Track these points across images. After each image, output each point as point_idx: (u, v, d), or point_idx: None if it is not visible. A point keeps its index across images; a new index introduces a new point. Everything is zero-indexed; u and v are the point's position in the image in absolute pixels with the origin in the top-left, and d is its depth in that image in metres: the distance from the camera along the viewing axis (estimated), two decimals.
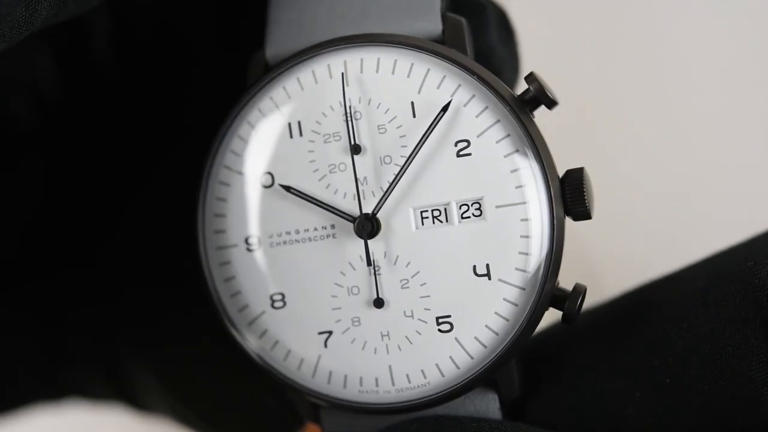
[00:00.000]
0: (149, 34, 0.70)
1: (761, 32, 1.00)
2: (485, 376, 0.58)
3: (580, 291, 0.58)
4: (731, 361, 0.55)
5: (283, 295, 0.60)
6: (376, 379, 0.59)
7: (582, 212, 0.57)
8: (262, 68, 0.61)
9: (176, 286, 0.71)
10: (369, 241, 0.58)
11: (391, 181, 0.58)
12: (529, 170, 0.57)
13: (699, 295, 0.58)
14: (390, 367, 0.59)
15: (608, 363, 0.60)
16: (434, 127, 0.58)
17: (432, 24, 0.60)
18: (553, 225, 0.57)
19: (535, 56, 0.69)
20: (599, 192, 0.61)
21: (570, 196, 0.57)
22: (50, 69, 0.69)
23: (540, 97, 0.57)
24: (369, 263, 0.58)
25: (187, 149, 0.68)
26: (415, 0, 0.61)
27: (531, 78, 0.58)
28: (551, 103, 0.58)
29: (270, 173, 0.60)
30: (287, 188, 0.59)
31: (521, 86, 0.60)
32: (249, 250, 0.60)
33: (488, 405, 0.59)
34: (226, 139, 0.60)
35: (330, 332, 0.59)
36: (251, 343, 0.60)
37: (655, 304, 0.60)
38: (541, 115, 0.59)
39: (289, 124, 0.59)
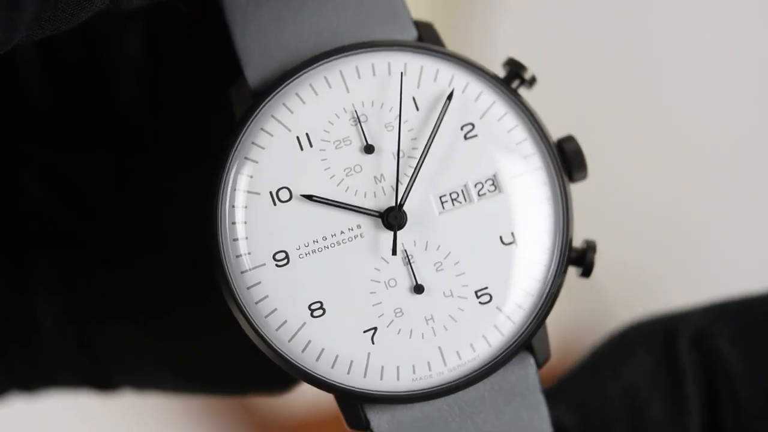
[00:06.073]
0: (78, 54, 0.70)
1: (755, 29, 1.01)
2: (528, 338, 0.61)
3: (593, 244, 0.63)
4: None
5: (321, 303, 0.61)
6: (429, 364, 0.61)
7: (584, 174, 0.63)
8: (249, 95, 0.63)
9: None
10: (398, 233, 0.61)
11: (409, 174, 0.61)
12: (532, 141, 0.62)
13: None
14: (440, 348, 0.61)
15: None
16: (443, 116, 0.61)
17: (406, 30, 0.64)
18: (563, 187, 0.62)
19: (529, 57, 0.72)
20: (597, 196, 0.65)
21: (573, 160, 0.63)
22: None
23: (521, 73, 0.63)
24: (394, 252, 0.61)
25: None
26: (384, 11, 0.64)
27: (509, 61, 0.63)
28: (532, 80, 0.63)
29: (287, 188, 0.61)
30: (309, 197, 0.61)
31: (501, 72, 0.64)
32: (278, 266, 0.61)
33: (527, 370, 0.62)
34: (234, 164, 0.61)
35: (375, 328, 0.61)
36: (294, 358, 0.61)
37: None
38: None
39: (298, 138, 0.61)
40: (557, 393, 0.64)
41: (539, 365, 0.62)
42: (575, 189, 0.63)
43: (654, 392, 0.63)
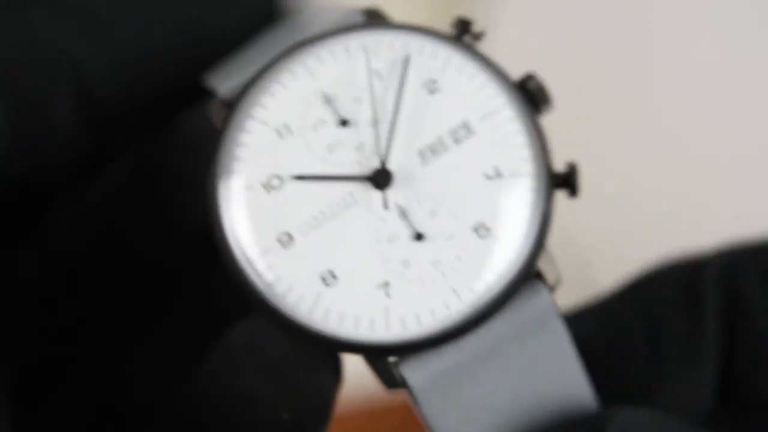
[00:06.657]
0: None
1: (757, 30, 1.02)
2: (532, 260, 0.65)
3: (575, 167, 0.66)
4: None
5: (331, 271, 0.64)
6: (446, 304, 0.64)
7: (549, 106, 0.67)
8: (225, 105, 0.68)
9: None
10: (388, 192, 0.65)
11: (386, 136, 0.65)
12: (494, 83, 0.66)
13: None
14: (453, 288, 0.64)
15: None
16: (405, 78, 0.66)
17: (355, 17, 0.69)
18: (532, 119, 0.66)
19: (529, 58, 0.74)
20: (597, 196, 0.67)
21: (536, 94, 0.66)
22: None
23: (469, 28, 0.67)
24: (386, 206, 0.65)
25: None
26: (330, 11, 0.70)
27: (456, 21, 0.68)
28: (480, 34, 0.67)
29: (276, 174, 0.66)
30: (300, 177, 0.65)
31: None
32: (284, 248, 0.65)
33: (541, 299, 0.65)
34: (223, 166, 0.66)
35: (387, 283, 0.64)
36: (318, 329, 0.64)
37: None
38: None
39: (277, 130, 0.66)
40: (583, 314, 0.68)
41: (551, 288, 0.65)
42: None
43: (674, 313, 0.66)
